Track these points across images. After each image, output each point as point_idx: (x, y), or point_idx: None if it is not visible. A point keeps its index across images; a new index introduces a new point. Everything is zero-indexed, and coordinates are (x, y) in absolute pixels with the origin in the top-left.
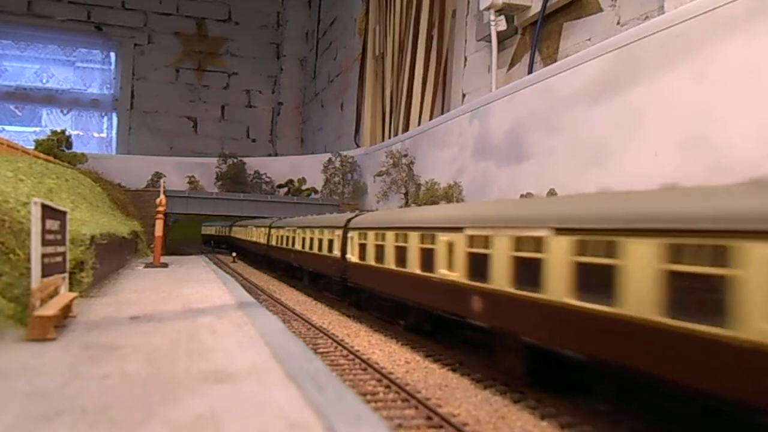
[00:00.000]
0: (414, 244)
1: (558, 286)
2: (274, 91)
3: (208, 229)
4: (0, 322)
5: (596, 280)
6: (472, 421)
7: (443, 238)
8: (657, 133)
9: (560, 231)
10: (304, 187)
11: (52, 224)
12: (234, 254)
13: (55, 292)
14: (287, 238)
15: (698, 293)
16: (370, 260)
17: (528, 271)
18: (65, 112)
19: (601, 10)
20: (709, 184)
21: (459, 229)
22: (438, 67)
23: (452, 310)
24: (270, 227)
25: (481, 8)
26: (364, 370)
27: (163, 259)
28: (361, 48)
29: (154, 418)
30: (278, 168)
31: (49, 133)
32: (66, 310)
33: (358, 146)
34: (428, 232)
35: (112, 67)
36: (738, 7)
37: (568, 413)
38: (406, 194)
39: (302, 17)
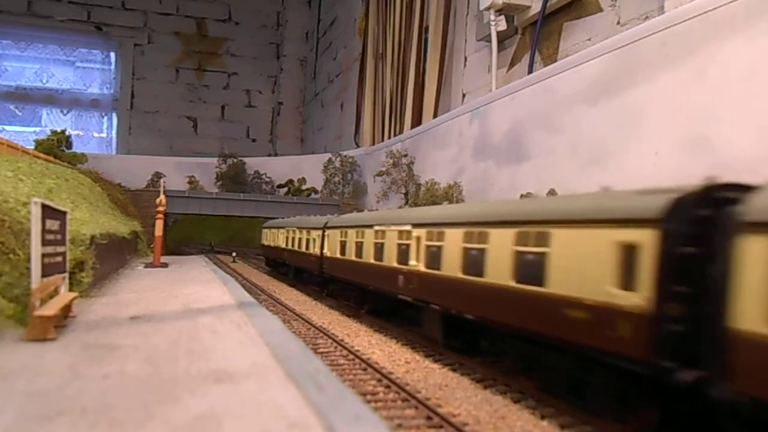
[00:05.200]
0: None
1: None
2: (274, 91)
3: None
4: (0, 322)
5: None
6: (472, 421)
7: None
8: (657, 132)
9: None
10: (304, 187)
11: (52, 224)
12: (234, 254)
13: (55, 292)
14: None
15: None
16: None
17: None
18: (65, 112)
19: (601, 10)
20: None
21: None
22: (438, 67)
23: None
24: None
25: (481, 8)
26: (364, 370)
27: (163, 259)
28: (361, 48)
29: (154, 418)
30: (278, 168)
31: (49, 133)
32: (66, 310)
33: (358, 146)
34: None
35: (112, 67)
36: (738, 7)
37: (568, 413)
38: (406, 194)
39: (302, 17)
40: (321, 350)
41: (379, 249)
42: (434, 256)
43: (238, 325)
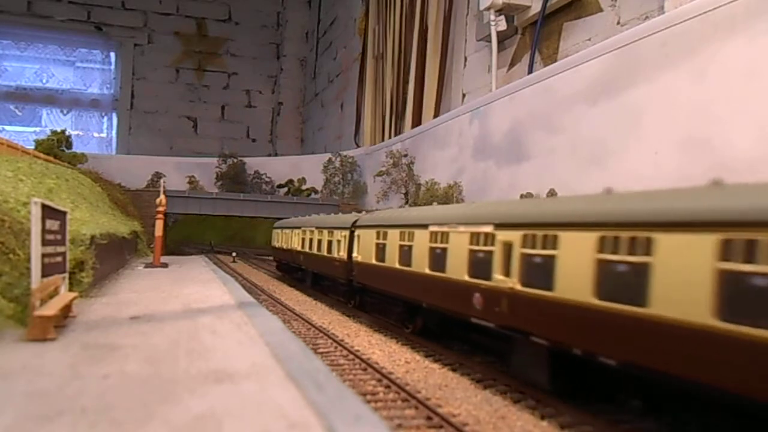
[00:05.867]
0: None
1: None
2: (274, 91)
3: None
4: (0, 322)
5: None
6: (472, 421)
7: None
8: (657, 132)
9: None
10: (304, 187)
11: (52, 224)
12: (234, 254)
13: (55, 292)
14: None
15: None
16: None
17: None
18: (65, 112)
19: (601, 10)
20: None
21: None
22: (438, 67)
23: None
24: None
25: (481, 8)
26: (364, 370)
27: (163, 259)
28: (361, 48)
29: (154, 418)
30: (278, 168)
31: (49, 133)
32: (66, 310)
33: (358, 146)
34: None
35: (112, 67)
36: (738, 7)
37: (568, 413)
38: (406, 194)
39: (302, 17)
40: (321, 350)
41: (438, 256)
42: (539, 270)
43: (238, 325)
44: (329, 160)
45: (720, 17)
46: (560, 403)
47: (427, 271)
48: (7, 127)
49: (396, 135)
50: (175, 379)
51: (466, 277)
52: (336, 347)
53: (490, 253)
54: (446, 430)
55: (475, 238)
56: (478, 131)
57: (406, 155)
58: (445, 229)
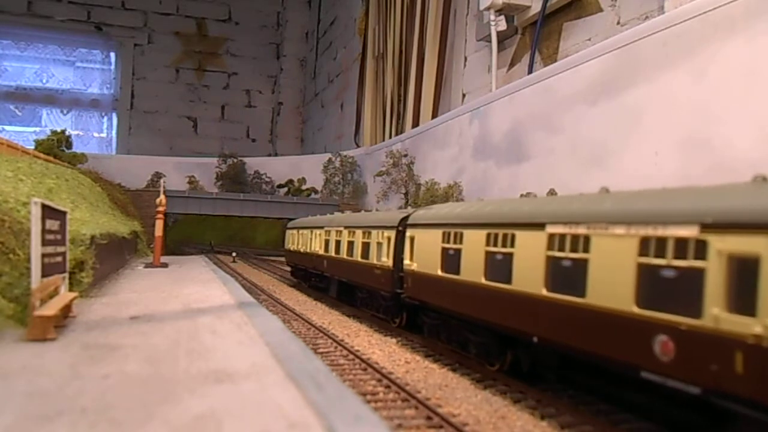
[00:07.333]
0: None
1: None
2: (274, 91)
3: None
4: (0, 322)
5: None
6: (472, 421)
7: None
8: (657, 133)
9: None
10: (304, 187)
11: (52, 224)
12: (234, 254)
13: (55, 292)
14: None
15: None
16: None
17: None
18: (65, 112)
19: (601, 10)
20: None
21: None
22: (438, 67)
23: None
24: None
25: (481, 8)
26: (364, 370)
27: (163, 259)
28: (361, 48)
29: (154, 418)
30: (278, 168)
31: (49, 133)
32: (66, 310)
33: (358, 146)
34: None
35: (112, 67)
36: (738, 7)
37: (568, 413)
38: (406, 194)
39: (302, 17)
40: (321, 350)
41: (565, 271)
42: None
43: (238, 325)
44: (329, 160)
45: (720, 17)
46: (560, 403)
47: (544, 292)
48: (7, 127)
49: (396, 135)
50: (175, 379)
51: (635, 308)
52: (336, 347)
53: (696, 272)
54: (446, 430)
55: (652, 245)
56: (478, 131)
57: (406, 155)
58: (581, 230)
